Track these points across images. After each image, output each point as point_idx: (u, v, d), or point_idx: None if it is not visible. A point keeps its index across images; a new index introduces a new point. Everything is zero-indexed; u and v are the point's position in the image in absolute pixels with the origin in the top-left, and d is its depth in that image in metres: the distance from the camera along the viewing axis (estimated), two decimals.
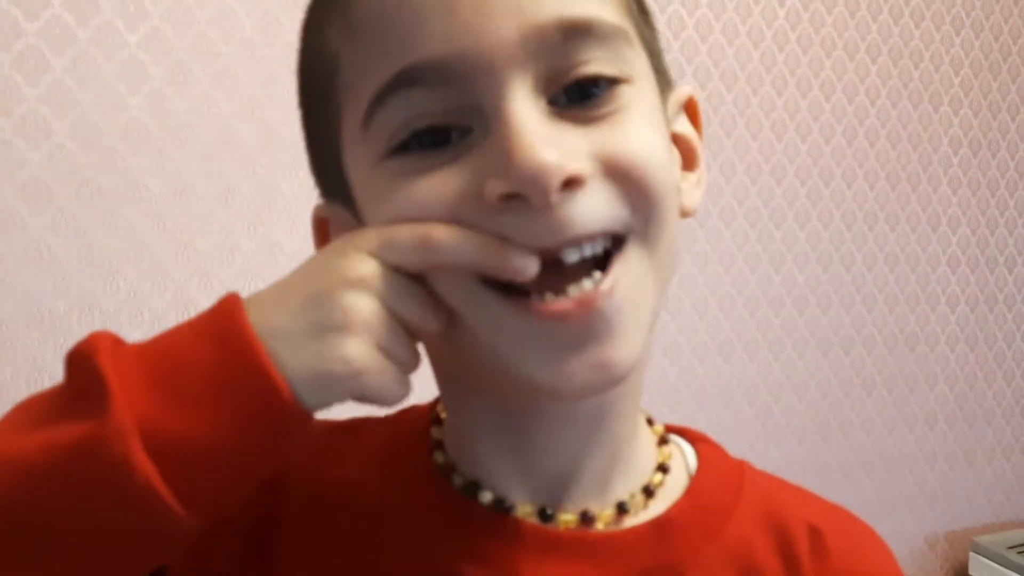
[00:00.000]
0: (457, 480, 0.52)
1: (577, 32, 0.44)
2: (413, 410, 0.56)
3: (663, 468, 0.54)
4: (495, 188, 0.42)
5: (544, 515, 0.51)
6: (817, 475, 1.94)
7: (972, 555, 1.95)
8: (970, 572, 1.95)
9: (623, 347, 0.45)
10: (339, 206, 0.51)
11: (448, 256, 0.43)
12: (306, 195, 1.48)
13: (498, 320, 0.45)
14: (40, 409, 0.43)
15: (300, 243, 1.46)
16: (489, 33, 0.42)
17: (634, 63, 0.46)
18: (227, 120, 1.41)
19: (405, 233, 0.44)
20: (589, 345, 0.44)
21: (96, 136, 1.33)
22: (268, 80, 1.43)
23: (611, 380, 0.45)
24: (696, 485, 0.53)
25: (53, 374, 1.30)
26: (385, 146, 0.45)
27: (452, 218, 0.43)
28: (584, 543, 0.50)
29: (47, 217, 1.30)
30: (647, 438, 0.55)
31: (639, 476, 0.53)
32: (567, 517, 0.51)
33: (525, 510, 0.51)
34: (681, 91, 0.52)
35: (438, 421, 0.55)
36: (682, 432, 0.58)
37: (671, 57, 1.75)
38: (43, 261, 1.31)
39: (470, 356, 0.47)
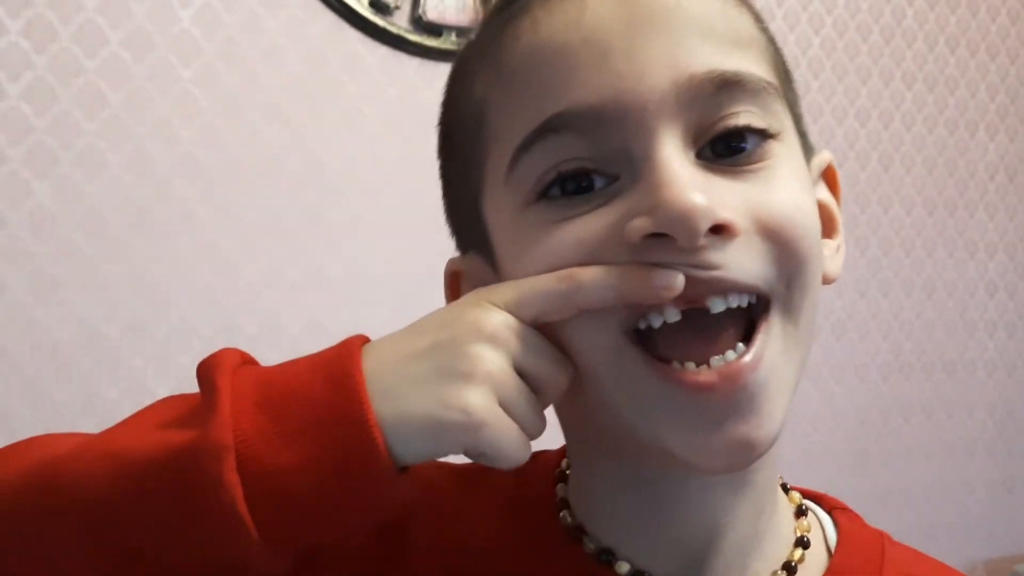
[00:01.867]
0: (590, 545, 0.49)
1: (728, 85, 0.43)
2: (540, 458, 0.53)
3: (802, 543, 0.51)
4: (640, 226, 0.41)
5: None
6: (855, 504, 1.93)
7: None
8: None
9: (766, 424, 0.43)
10: (475, 257, 0.50)
11: (592, 294, 0.42)
12: (352, 224, 1.52)
13: (639, 383, 0.43)
14: (168, 411, 0.45)
15: (343, 269, 1.50)
16: (642, 82, 0.42)
17: (782, 119, 0.46)
18: (275, 151, 1.45)
19: (546, 279, 0.43)
20: (732, 421, 0.42)
21: (150, 168, 1.37)
22: (314, 114, 1.48)
23: (751, 458, 0.44)
24: (838, 563, 0.51)
25: (106, 398, 1.35)
26: (530, 191, 0.45)
27: (593, 260, 0.42)
28: None
29: (103, 246, 1.35)
30: (786, 508, 0.53)
31: (780, 549, 0.51)
32: None
33: None
34: (822, 157, 0.51)
35: (563, 477, 0.53)
36: (818, 499, 0.56)
37: None
38: (98, 288, 1.35)
39: (601, 416, 0.45)
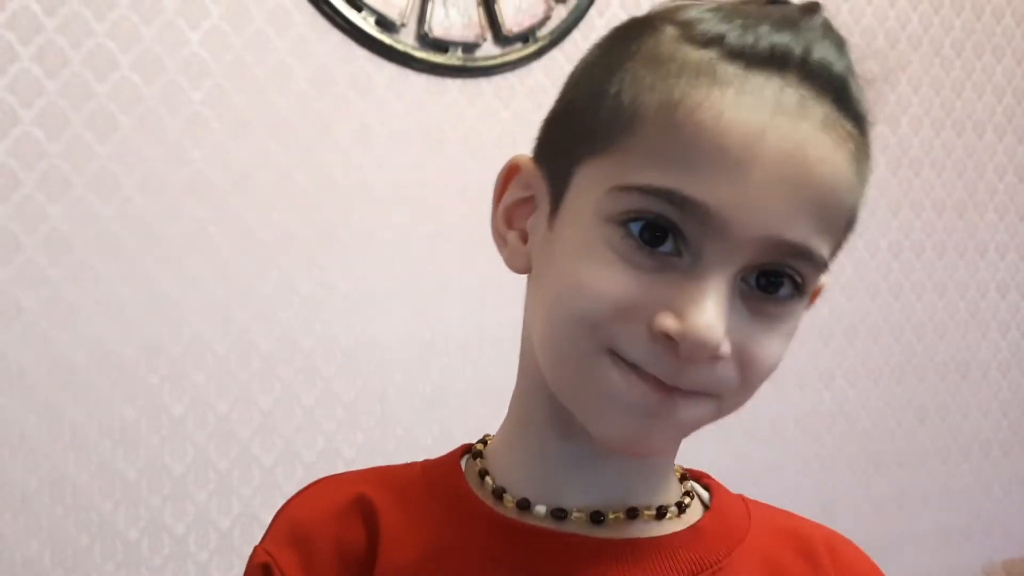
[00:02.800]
0: (510, 500, 0.59)
1: (799, 254, 0.52)
2: (427, 463, 0.64)
3: (687, 493, 0.62)
4: (666, 323, 0.50)
5: (596, 517, 0.57)
6: (871, 506, 1.94)
7: None
8: None
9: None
10: (540, 174, 0.58)
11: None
12: (363, 240, 1.54)
13: (599, 382, 0.54)
14: None
15: (355, 284, 1.52)
16: (746, 223, 0.50)
17: (812, 282, 0.54)
18: (285, 169, 1.47)
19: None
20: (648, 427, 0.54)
21: (163, 189, 1.39)
22: (324, 131, 1.49)
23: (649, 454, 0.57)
24: (716, 504, 0.62)
25: (123, 417, 1.37)
26: (622, 212, 0.52)
27: (622, 307, 0.51)
28: (634, 547, 0.57)
29: (117, 267, 1.37)
30: (673, 476, 0.63)
31: (671, 496, 0.61)
32: (615, 515, 0.58)
33: (578, 515, 0.57)
34: (821, 282, 0.58)
35: (477, 456, 0.63)
36: (692, 473, 0.66)
37: None
38: (113, 309, 1.37)
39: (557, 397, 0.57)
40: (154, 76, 1.39)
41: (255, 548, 0.61)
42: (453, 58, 1.57)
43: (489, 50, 1.60)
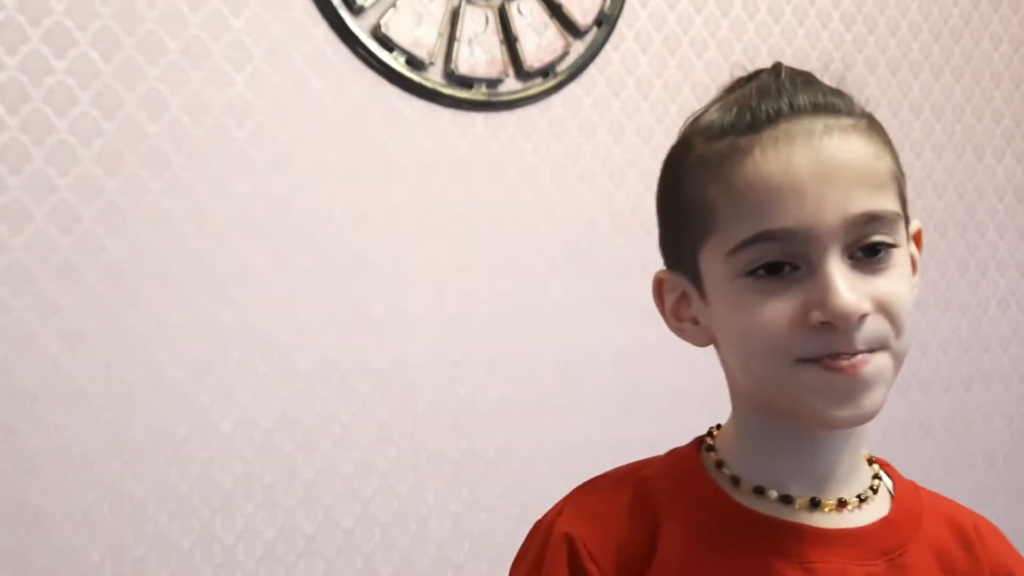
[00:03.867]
0: (746, 486, 0.73)
1: (874, 219, 0.67)
2: (668, 457, 0.77)
3: (877, 476, 0.76)
4: (816, 317, 0.66)
5: (814, 503, 0.72)
6: None
7: None
8: None
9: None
10: (681, 278, 0.74)
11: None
12: (394, 266, 1.63)
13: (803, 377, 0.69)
14: None
15: (386, 309, 1.61)
16: (822, 219, 0.66)
17: (901, 233, 0.70)
18: (322, 201, 1.57)
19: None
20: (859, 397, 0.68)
21: (210, 221, 1.49)
22: (358, 165, 1.59)
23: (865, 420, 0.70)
24: (899, 494, 0.76)
25: (175, 435, 1.46)
26: (743, 269, 0.68)
27: (785, 326, 0.66)
28: (845, 536, 0.71)
29: (169, 295, 1.46)
30: (864, 458, 0.77)
31: (866, 479, 0.75)
32: (830, 503, 0.72)
33: (802, 501, 0.72)
34: (914, 224, 0.75)
35: (710, 449, 0.76)
36: (870, 457, 0.80)
37: None
38: (166, 334, 1.46)
39: (771, 396, 0.71)
40: (202, 116, 1.49)
41: (548, 522, 0.74)
42: (478, 93, 1.67)
43: (511, 85, 1.70)
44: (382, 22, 1.59)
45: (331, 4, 1.55)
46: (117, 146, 1.44)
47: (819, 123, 0.68)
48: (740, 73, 0.75)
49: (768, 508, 0.71)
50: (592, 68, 1.77)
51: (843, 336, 0.65)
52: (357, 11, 1.57)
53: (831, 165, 0.66)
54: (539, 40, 1.71)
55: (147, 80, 1.45)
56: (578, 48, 1.76)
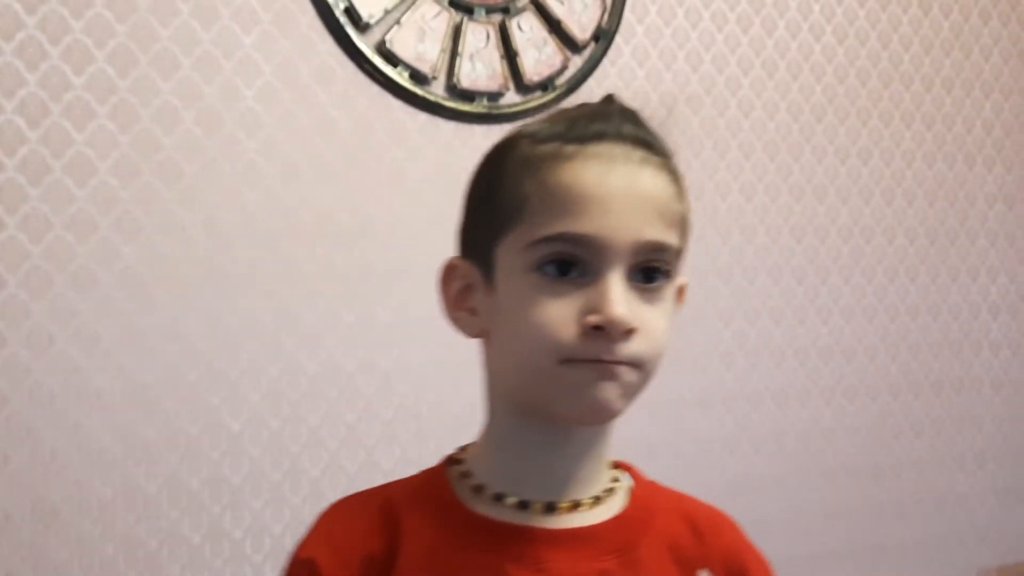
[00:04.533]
0: (487, 494, 0.76)
1: (661, 249, 0.74)
2: (416, 477, 0.81)
3: (616, 480, 0.80)
4: (592, 320, 0.71)
5: (550, 506, 0.76)
6: (871, 515, 2.07)
7: None
8: None
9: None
10: (473, 266, 0.77)
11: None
12: (399, 272, 1.68)
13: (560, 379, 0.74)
14: None
15: (393, 313, 1.67)
16: (618, 236, 0.72)
17: (675, 268, 0.76)
18: (330, 210, 1.63)
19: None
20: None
21: (221, 229, 1.55)
22: (364, 176, 1.65)
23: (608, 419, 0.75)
24: (636, 493, 0.80)
25: (188, 434, 1.52)
26: (536, 263, 0.73)
27: (561, 327, 0.71)
28: (578, 535, 0.76)
29: (181, 300, 1.53)
30: (607, 463, 0.81)
31: (604, 484, 0.79)
32: (564, 505, 0.76)
33: (538, 505, 0.76)
34: (681, 279, 0.79)
35: (456, 462, 0.80)
36: (616, 462, 0.84)
37: (721, 129, 1.94)
38: (178, 337, 1.52)
39: (523, 399, 0.76)
40: (214, 129, 1.55)
41: (297, 548, 0.78)
42: (479, 106, 1.73)
43: (512, 98, 1.76)
44: (387, 38, 1.65)
45: (337, 21, 1.62)
46: (132, 158, 1.50)
47: (638, 153, 0.74)
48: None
49: (505, 514, 0.76)
50: (590, 81, 1.83)
51: (610, 344, 0.70)
52: (363, 28, 1.64)
53: (639, 192, 0.73)
54: (538, 55, 1.78)
55: (161, 95, 1.52)
56: (576, 62, 1.82)
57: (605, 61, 1.84)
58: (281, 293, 1.60)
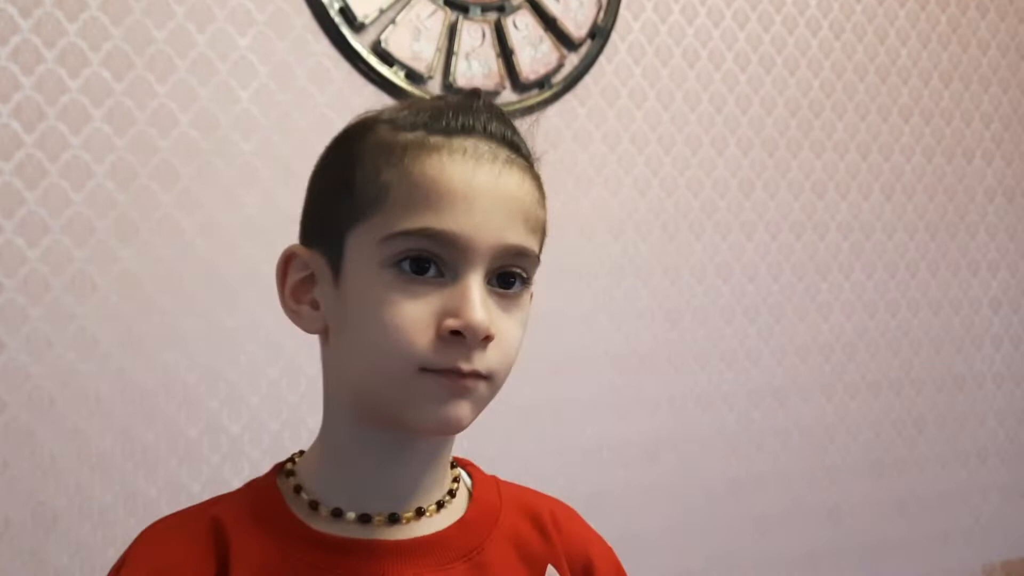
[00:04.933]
0: (324, 510, 0.72)
1: (522, 254, 0.71)
2: (242, 490, 0.76)
3: (456, 480, 0.78)
4: (450, 324, 0.68)
5: (393, 517, 0.73)
6: (874, 512, 2.06)
7: None
8: None
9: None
10: (317, 255, 0.73)
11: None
12: None
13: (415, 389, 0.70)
14: None
15: None
16: (480, 236, 0.69)
17: (532, 274, 0.73)
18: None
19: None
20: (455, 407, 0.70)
21: (219, 231, 1.55)
22: None
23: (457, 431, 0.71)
24: (477, 494, 0.78)
25: (187, 437, 1.52)
26: (392, 256, 0.68)
27: (416, 331, 0.68)
28: (422, 544, 0.73)
29: (180, 303, 1.52)
30: (447, 466, 0.78)
31: (447, 486, 0.77)
32: (408, 515, 0.73)
33: (379, 518, 0.72)
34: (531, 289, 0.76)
35: (289, 475, 0.76)
36: (454, 459, 0.82)
37: (718, 125, 1.93)
38: (177, 340, 1.52)
39: (372, 408, 0.71)
40: (210, 131, 1.55)
41: None
42: None
43: (508, 97, 1.76)
44: (382, 38, 1.65)
45: (332, 21, 1.62)
46: (129, 161, 1.50)
47: (504, 152, 0.71)
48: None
49: (345, 530, 0.72)
50: (587, 79, 1.83)
51: (467, 351, 0.68)
52: (358, 28, 1.64)
53: (505, 194, 0.70)
54: (534, 53, 1.77)
55: (157, 97, 1.51)
56: (572, 60, 1.81)
57: (601, 58, 1.84)
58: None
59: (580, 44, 1.81)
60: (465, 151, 0.70)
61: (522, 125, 0.75)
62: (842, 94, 2.07)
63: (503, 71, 1.75)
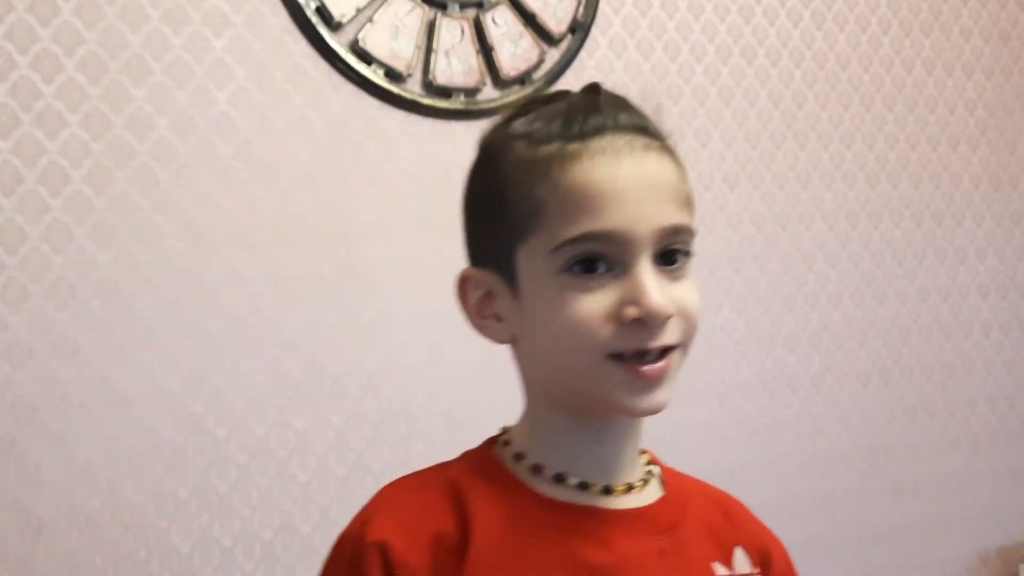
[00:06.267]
0: (546, 474, 0.78)
1: (680, 231, 0.75)
2: (465, 457, 0.82)
3: (648, 464, 0.84)
4: (631, 312, 0.73)
5: (607, 489, 0.78)
6: (867, 500, 2.05)
7: (1022, 567, 2.04)
8: None
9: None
10: (491, 274, 0.78)
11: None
12: (382, 273, 1.65)
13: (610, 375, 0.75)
14: None
15: (377, 314, 1.65)
16: (637, 226, 0.73)
17: (692, 244, 0.78)
18: (309, 211, 1.62)
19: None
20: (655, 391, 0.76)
21: (200, 235, 1.54)
22: (342, 175, 1.64)
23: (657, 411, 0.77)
24: (668, 479, 0.84)
25: (172, 443, 1.51)
26: (563, 265, 0.74)
27: (598, 324, 0.73)
28: (634, 514, 0.79)
29: (161, 307, 1.51)
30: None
31: (641, 467, 0.83)
32: (620, 488, 0.79)
33: (595, 487, 0.78)
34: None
35: (506, 444, 0.81)
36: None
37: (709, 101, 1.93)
38: (160, 345, 1.51)
39: (574, 390, 0.77)
40: (188, 134, 1.54)
41: (355, 533, 0.76)
42: (456, 103, 1.72)
43: (489, 93, 1.75)
44: (360, 37, 1.64)
45: (309, 21, 1.61)
46: (106, 165, 1.49)
47: (639, 141, 0.75)
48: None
49: (567, 495, 0.78)
50: (568, 74, 1.82)
51: (650, 333, 0.73)
52: (335, 27, 1.63)
53: (650, 180, 0.75)
54: (515, 49, 1.77)
55: (134, 101, 1.50)
56: (553, 55, 1.81)
57: (582, 53, 1.83)
58: (263, 297, 1.58)
59: (560, 39, 1.81)
60: (604, 151, 0.74)
61: (648, 109, 0.78)
62: (825, 84, 2.06)
63: (483, 68, 1.74)
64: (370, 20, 1.65)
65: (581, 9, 1.82)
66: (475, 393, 1.72)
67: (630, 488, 0.79)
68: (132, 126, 1.50)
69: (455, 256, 1.78)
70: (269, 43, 1.59)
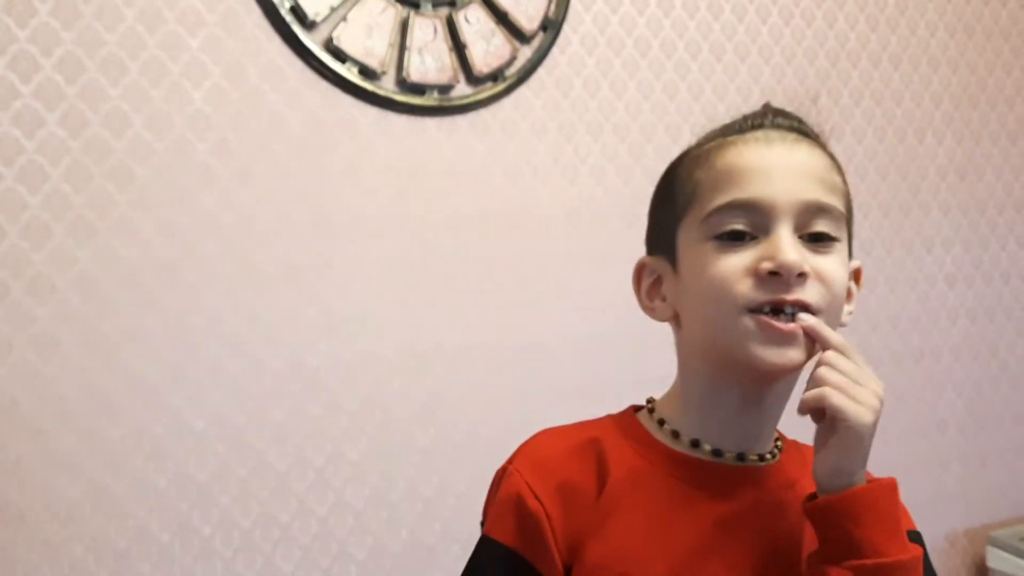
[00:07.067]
0: (684, 438, 0.87)
1: (823, 209, 0.83)
2: (609, 417, 0.92)
3: (778, 438, 0.92)
4: (766, 266, 0.80)
5: (740, 457, 0.87)
6: None
7: (989, 548, 2.09)
8: (988, 564, 2.09)
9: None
10: (660, 259, 0.89)
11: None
12: (357, 266, 1.67)
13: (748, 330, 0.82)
14: None
15: (353, 308, 1.69)
16: (781, 198, 0.81)
17: (843, 234, 0.85)
18: (286, 207, 1.65)
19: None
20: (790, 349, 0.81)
21: (178, 231, 1.57)
22: (317, 172, 1.67)
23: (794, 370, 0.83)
24: (787, 447, 0.92)
25: (153, 434, 1.53)
26: (711, 233, 0.83)
27: (740, 278, 0.80)
28: (757, 472, 0.87)
29: (141, 302, 1.54)
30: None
31: (773, 440, 0.90)
32: (753, 457, 0.87)
33: (729, 455, 0.87)
34: (855, 263, 0.90)
35: (651, 412, 0.91)
36: None
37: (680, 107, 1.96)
38: (139, 339, 1.54)
39: (713, 352, 0.84)
40: (164, 132, 1.57)
41: (503, 468, 0.88)
42: (430, 99, 1.75)
43: (462, 90, 1.78)
44: (334, 35, 1.67)
45: (283, 20, 1.64)
46: (84, 163, 1.51)
47: (792, 135, 0.85)
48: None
49: (700, 456, 0.86)
50: (540, 71, 1.85)
51: (786, 285, 0.78)
52: (309, 26, 1.66)
53: (797, 161, 0.83)
54: (487, 46, 1.80)
55: (110, 100, 1.53)
56: (525, 52, 1.84)
57: (554, 50, 1.86)
58: (240, 291, 1.61)
59: (532, 37, 1.84)
60: (758, 139, 0.84)
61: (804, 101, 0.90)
62: (793, 79, 2.10)
63: (456, 65, 1.77)
64: (344, 19, 1.68)
65: (552, 7, 1.85)
66: (451, 384, 1.76)
67: (761, 459, 0.87)
68: (109, 124, 1.53)
69: (430, 249, 1.81)
70: (244, 42, 1.62)
